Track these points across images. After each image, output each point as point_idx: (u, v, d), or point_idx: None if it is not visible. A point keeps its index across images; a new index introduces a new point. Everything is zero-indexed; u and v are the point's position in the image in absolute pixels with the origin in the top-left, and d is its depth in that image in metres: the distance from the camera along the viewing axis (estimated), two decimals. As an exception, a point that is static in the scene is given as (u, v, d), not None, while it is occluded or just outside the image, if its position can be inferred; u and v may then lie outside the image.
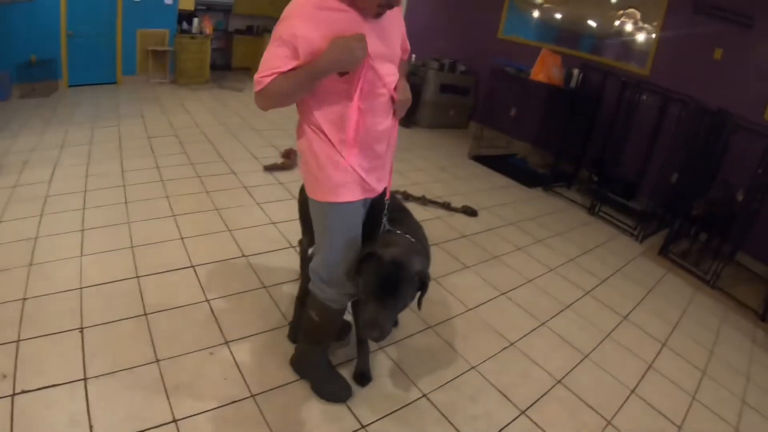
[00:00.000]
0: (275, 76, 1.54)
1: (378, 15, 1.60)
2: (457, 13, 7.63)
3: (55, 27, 6.80)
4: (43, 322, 2.33)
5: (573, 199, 5.21)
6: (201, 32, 8.22)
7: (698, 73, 4.82)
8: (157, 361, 2.17)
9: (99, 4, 7.14)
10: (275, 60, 1.54)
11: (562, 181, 5.58)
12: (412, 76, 7.09)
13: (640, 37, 5.37)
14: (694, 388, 2.65)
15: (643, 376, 2.64)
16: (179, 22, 8.04)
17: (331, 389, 2.11)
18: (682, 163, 4.40)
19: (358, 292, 1.80)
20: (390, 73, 1.73)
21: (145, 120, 5.89)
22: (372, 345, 2.42)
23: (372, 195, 1.86)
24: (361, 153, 1.74)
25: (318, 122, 1.70)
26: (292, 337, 2.38)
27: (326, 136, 1.71)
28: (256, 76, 1.58)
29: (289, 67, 1.54)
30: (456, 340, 2.61)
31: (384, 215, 1.93)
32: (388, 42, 1.69)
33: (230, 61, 9.87)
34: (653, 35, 5.22)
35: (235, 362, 2.22)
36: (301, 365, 2.19)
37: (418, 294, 1.81)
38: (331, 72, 1.55)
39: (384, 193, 1.93)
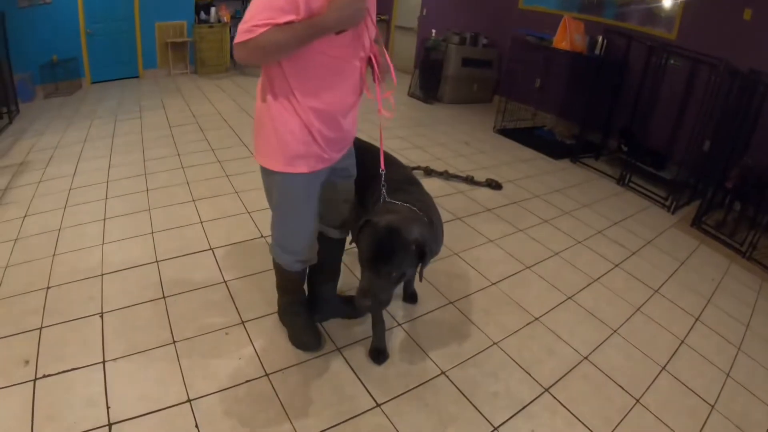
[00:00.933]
0: (269, 27, 1.40)
1: None
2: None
3: (74, 26, 6.92)
4: (64, 309, 2.37)
5: (601, 170, 5.03)
6: (219, 21, 8.24)
7: (727, 34, 4.57)
8: (174, 342, 2.18)
9: (115, 1, 7.22)
10: (270, 11, 1.40)
11: (589, 152, 5.40)
12: (434, 51, 6.98)
13: (666, 1, 5.12)
14: (729, 365, 2.49)
15: (674, 352, 2.50)
16: (197, 13, 8.09)
17: (299, 337, 2.18)
18: (714, 129, 4.19)
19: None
20: (372, 35, 1.70)
21: (167, 110, 5.96)
22: (389, 321, 2.38)
23: (329, 164, 1.80)
24: (327, 124, 1.68)
25: (291, 86, 1.61)
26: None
27: (296, 100, 1.62)
28: (243, 26, 1.42)
29: (286, 19, 1.40)
30: (477, 316, 2.54)
31: (382, 186, 1.89)
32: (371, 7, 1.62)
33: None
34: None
35: (251, 342, 2.21)
36: (280, 314, 2.29)
37: (420, 265, 1.73)
38: (335, 29, 1.46)
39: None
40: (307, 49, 1.51)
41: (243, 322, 2.32)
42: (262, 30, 1.40)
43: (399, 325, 2.41)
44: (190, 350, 2.14)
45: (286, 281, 2.14)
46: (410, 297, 2.57)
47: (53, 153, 4.49)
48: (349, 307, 2.36)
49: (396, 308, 2.53)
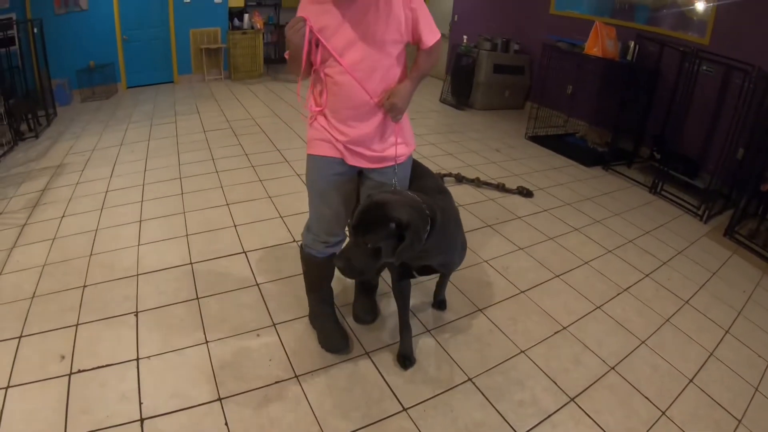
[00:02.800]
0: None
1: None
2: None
3: (110, 33, 7.13)
4: (100, 307, 2.45)
5: (633, 177, 4.95)
6: (252, 27, 8.39)
7: (762, 39, 4.45)
8: (206, 342, 2.23)
9: (150, 8, 7.43)
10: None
11: (621, 160, 5.32)
12: (465, 57, 6.96)
13: (698, 5, 5.02)
14: (758, 379, 2.41)
15: (702, 365, 2.44)
16: (230, 19, 8.24)
17: (328, 340, 2.25)
18: (748, 136, 4.08)
19: None
20: (361, 58, 1.82)
21: (201, 115, 6.08)
22: (418, 328, 2.39)
23: (348, 161, 1.98)
24: (333, 118, 1.94)
25: (311, 89, 2.03)
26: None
27: (313, 99, 2.02)
28: None
29: None
30: (505, 324, 2.53)
31: (393, 180, 2.03)
32: (367, 25, 1.78)
33: (283, 54, 10.01)
34: (712, 2, 4.87)
35: (281, 344, 2.25)
36: (311, 317, 2.39)
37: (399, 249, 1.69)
38: (291, 46, 1.85)
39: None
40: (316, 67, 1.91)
41: (274, 325, 2.36)
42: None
43: (428, 331, 2.42)
44: (221, 350, 2.19)
45: (310, 271, 2.26)
46: (439, 304, 2.58)
47: (90, 155, 4.63)
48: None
49: (425, 315, 2.54)
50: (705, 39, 4.91)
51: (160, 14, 7.53)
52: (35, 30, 5.86)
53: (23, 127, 5.36)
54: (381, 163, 2.01)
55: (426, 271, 2.14)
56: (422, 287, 2.68)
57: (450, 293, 2.68)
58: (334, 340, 2.24)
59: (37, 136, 5.27)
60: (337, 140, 1.95)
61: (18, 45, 5.57)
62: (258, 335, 2.29)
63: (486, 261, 3.07)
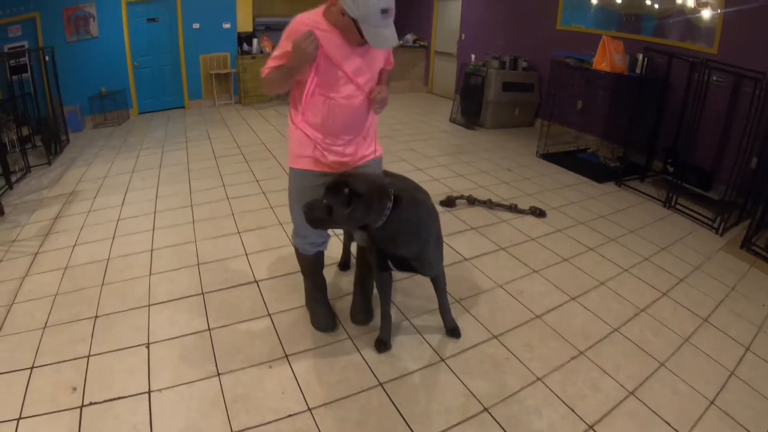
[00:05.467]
0: (269, 69, 2.03)
1: (359, 45, 1.98)
2: (513, 8, 7.48)
3: (121, 60, 7.26)
4: (112, 338, 2.44)
5: (647, 192, 4.89)
6: (261, 52, 8.48)
7: (770, 47, 4.41)
8: (218, 374, 2.20)
9: (160, 35, 7.56)
10: (272, 60, 2.03)
11: (634, 174, 5.26)
12: (474, 76, 6.99)
13: (705, 14, 5.00)
14: None
15: (723, 385, 2.37)
16: (239, 44, 8.35)
17: (317, 320, 2.55)
18: (761, 145, 4.03)
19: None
20: (367, 81, 2.11)
21: (212, 141, 6.13)
22: (433, 357, 2.35)
23: (330, 170, 2.19)
24: (324, 133, 2.14)
25: (298, 105, 2.16)
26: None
27: (302, 117, 2.15)
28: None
29: (278, 64, 2.00)
30: (521, 350, 2.48)
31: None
32: (368, 58, 2.07)
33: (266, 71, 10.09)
34: (718, 10, 4.85)
35: (294, 375, 2.21)
36: (306, 300, 2.70)
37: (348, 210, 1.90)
38: (294, 65, 1.93)
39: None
40: (298, 84, 2.10)
41: (287, 356, 2.33)
42: (266, 71, 2.05)
43: (442, 360, 2.37)
44: (234, 383, 2.16)
45: (303, 264, 2.58)
46: (452, 331, 2.54)
47: (102, 183, 4.67)
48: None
49: (439, 343, 2.50)
50: (713, 48, 4.89)
51: (170, 40, 7.65)
52: (47, 58, 5.96)
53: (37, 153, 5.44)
54: (362, 160, 2.26)
55: (404, 266, 2.25)
56: (438, 317, 2.64)
57: (464, 320, 2.64)
58: (323, 320, 2.54)
59: (50, 163, 5.34)
60: (324, 156, 2.17)
61: (30, 72, 5.66)
62: (270, 367, 2.26)
63: (500, 285, 3.03)
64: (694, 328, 2.79)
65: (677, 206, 4.53)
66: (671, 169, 4.97)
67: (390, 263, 2.26)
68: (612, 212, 4.34)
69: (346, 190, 1.88)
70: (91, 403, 2.03)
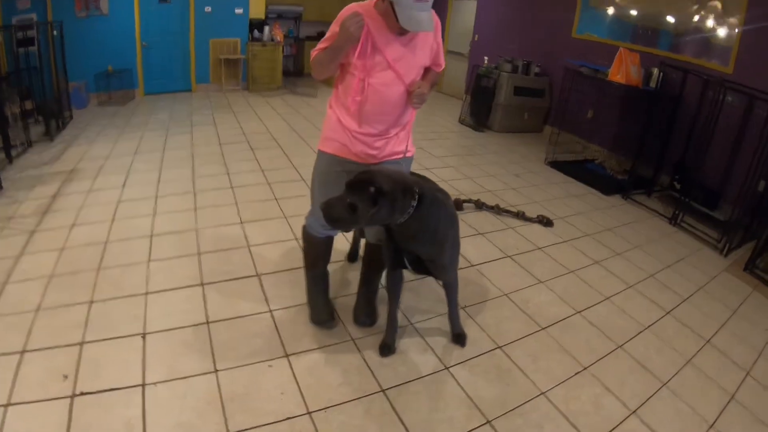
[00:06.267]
0: (318, 51, 2.09)
1: (400, 34, 2.01)
2: (529, 13, 7.41)
3: (130, 38, 7.15)
4: (107, 325, 2.37)
5: (653, 207, 4.84)
6: (272, 40, 8.40)
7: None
8: (215, 371, 2.14)
9: (171, 16, 7.45)
10: (322, 42, 2.09)
11: (641, 188, 5.22)
12: (486, 78, 6.94)
13: (722, 32, 4.95)
14: None
15: (723, 408, 2.34)
16: (250, 31, 8.26)
17: (317, 315, 2.51)
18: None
19: None
20: (407, 72, 2.10)
21: (218, 127, 6.05)
22: (436, 365, 2.30)
23: (355, 159, 2.20)
24: (359, 120, 2.13)
25: (339, 90, 2.20)
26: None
27: (340, 100, 2.19)
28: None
29: (326, 45, 2.05)
30: (526, 363, 2.43)
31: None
32: (412, 51, 2.08)
33: (302, 68, 10.02)
34: (735, 30, 4.80)
35: (294, 376, 2.15)
36: (307, 294, 2.63)
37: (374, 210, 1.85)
38: (341, 44, 1.97)
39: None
40: (344, 68, 2.13)
41: (287, 355, 2.27)
42: (315, 53, 2.11)
43: (446, 368, 2.32)
44: (231, 381, 2.10)
45: (309, 249, 2.56)
46: (457, 338, 2.49)
47: (104, 163, 4.59)
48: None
49: (444, 350, 2.45)
50: (728, 68, 4.84)
51: (181, 22, 7.56)
52: (55, 32, 5.85)
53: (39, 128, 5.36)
54: (393, 156, 2.25)
55: (418, 266, 2.21)
56: (443, 321, 2.59)
57: (469, 327, 2.59)
58: (322, 315, 2.50)
59: (51, 139, 5.25)
60: (352, 143, 2.18)
61: (37, 46, 5.55)
62: (270, 366, 2.20)
63: (506, 294, 2.98)
64: (696, 349, 2.76)
65: (683, 224, 4.48)
66: (678, 186, 4.94)
67: (406, 261, 2.21)
68: (618, 225, 4.29)
69: (372, 189, 1.82)
70: (82, 393, 1.97)
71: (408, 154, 2.32)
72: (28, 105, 5.43)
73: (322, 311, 2.51)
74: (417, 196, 1.90)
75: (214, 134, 5.70)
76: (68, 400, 1.93)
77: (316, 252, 2.54)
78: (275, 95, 8.20)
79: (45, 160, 4.64)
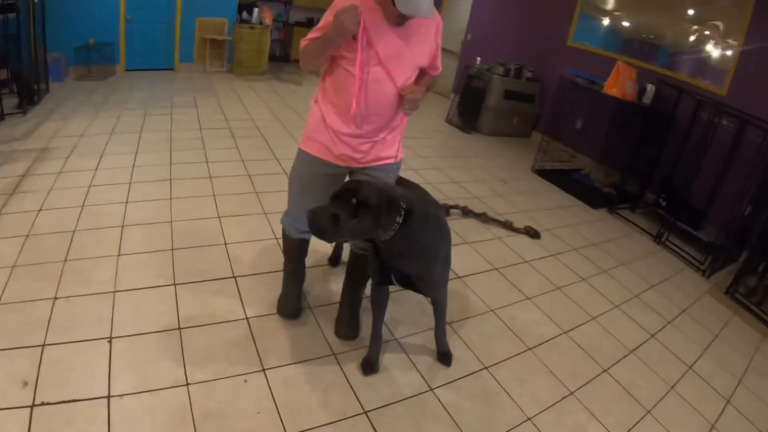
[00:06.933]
0: (308, 41, 1.97)
1: (398, 24, 1.90)
2: (524, 16, 7.31)
3: (114, 11, 6.87)
4: (71, 326, 2.21)
5: (638, 224, 4.82)
6: (261, 23, 8.17)
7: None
8: (187, 384, 2.00)
9: (158, -10, 7.15)
10: (312, 32, 1.97)
11: (626, 203, 5.20)
12: (476, 79, 6.83)
13: (719, 53, 4.93)
14: None
15: None
16: (239, 12, 8.03)
17: (283, 305, 2.48)
18: (758, 195, 4.00)
19: None
20: (399, 70, 1.99)
21: (199, 110, 5.84)
22: (420, 386, 2.20)
23: (338, 162, 2.13)
24: (345, 119, 2.03)
25: (326, 84, 2.09)
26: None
27: (327, 96, 2.08)
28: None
29: (317, 35, 1.94)
30: (511, 385, 2.35)
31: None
32: (408, 45, 1.97)
33: (289, 53, 9.81)
34: (730, 52, 4.79)
35: (271, 393, 2.02)
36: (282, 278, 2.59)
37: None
38: (334, 37, 1.86)
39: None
40: (334, 62, 2.02)
41: (264, 369, 2.14)
42: (305, 43, 1.99)
43: (431, 389, 2.21)
44: (204, 395, 1.95)
45: (286, 244, 2.51)
46: (443, 357, 2.39)
47: (78, 142, 4.37)
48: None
49: (429, 369, 2.35)
50: (723, 90, 4.82)
51: (168, -2, 7.28)
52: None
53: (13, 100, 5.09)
54: (379, 162, 2.16)
55: (406, 282, 2.10)
56: (428, 335, 2.48)
57: (454, 344, 2.50)
58: (287, 307, 2.47)
59: (24, 113, 4.98)
60: (334, 144, 2.08)
61: (16, 13, 5.25)
62: (245, 381, 2.06)
63: (493, 310, 2.89)
64: (679, 376, 2.73)
65: (667, 243, 4.47)
66: (664, 204, 4.93)
67: (393, 278, 2.10)
68: (604, 241, 4.25)
69: (354, 200, 1.72)
70: (43, 403, 1.80)
71: (397, 159, 2.23)
72: (2, 75, 5.14)
73: (287, 305, 2.47)
74: (403, 212, 1.78)
75: (194, 118, 5.49)
76: (28, 411, 1.76)
77: (290, 250, 2.50)
78: (260, 80, 7.98)
79: (16, 136, 4.39)
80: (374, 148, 2.12)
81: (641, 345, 2.92)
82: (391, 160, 2.19)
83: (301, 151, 2.19)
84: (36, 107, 5.23)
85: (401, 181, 2.38)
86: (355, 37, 1.88)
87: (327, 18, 1.91)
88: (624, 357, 2.77)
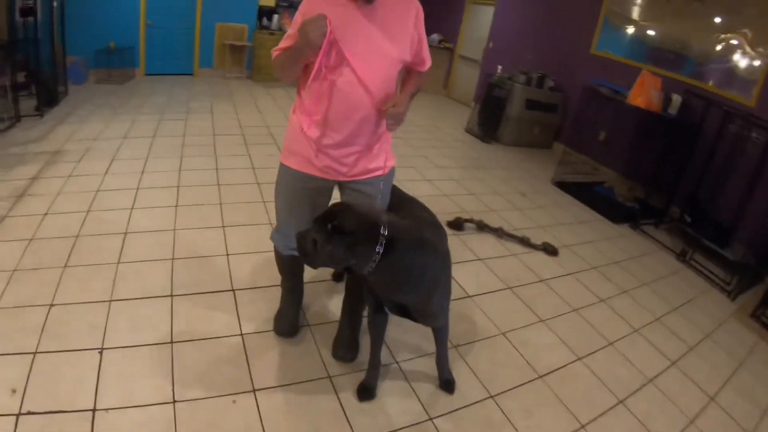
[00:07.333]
0: (279, 51, 1.85)
1: (367, 1, 1.75)
2: (547, 24, 7.18)
3: (134, 16, 6.93)
4: (64, 334, 2.16)
5: (661, 240, 4.62)
6: (281, 29, 8.16)
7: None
8: (174, 402, 1.91)
9: (179, -4, 7.21)
10: (284, 40, 1.84)
11: (650, 218, 5.00)
12: (497, 88, 6.68)
13: (747, 63, 4.73)
14: None
15: None
16: (259, 18, 8.04)
17: (277, 323, 2.40)
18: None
19: None
20: (374, 73, 1.81)
21: (214, 116, 5.82)
22: (419, 414, 2.08)
23: (323, 176, 2.00)
24: (324, 129, 1.89)
25: (302, 94, 1.96)
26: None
27: (303, 106, 1.95)
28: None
29: (288, 45, 1.81)
30: (519, 416, 2.20)
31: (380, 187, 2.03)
32: (384, 33, 1.80)
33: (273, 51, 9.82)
34: (759, 62, 4.59)
35: (260, 417, 1.92)
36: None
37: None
38: (300, 48, 1.74)
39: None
40: (307, 69, 1.84)
41: (254, 390, 2.04)
42: (276, 53, 1.87)
43: (430, 419, 2.08)
44: (191, 414, 1.87)
45: (278, 262, 2.38)
46: (446, 384, 2.25)
47: (90, 145, 4.37)
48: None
49: (430, 396, 2.22)
50: (751, 101, 4.62)
51: (188, 4, 7.35)
52: (55, 3, 5.61)
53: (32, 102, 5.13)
54: (366, 175, 2.03)
55: (402, 312, 1.96)
56: (430, 360, 2.36)
57: (459, 370, 2.36)
58: (283, 326, 2.37)
59: (41, 115, 5.02)
60: (316, 156, 1.95)
61: (34, 17, 5.30)
62: (234, 401, 1.96)
63: (503, 333, 2.74)
64: (700, 408, 2.54)
65: (691, 261, 4.27)
66: (689, 219, 4.72)
67: (386, 308, 1.98)
68: (626, 259, 4.07)
69: (329, 225, 1.61)
70: (29, 413, 1.76)
71: (386, 170, 2.05)
72: (23, 77, 5.19)
73: (283, 322, 2.39)
74: (384, 241, 1.61)
75: (209, 123, 5.47)
76: (13, 419, 1.72)
77: (283, 267, 2.39)
78: (279, 87, 7.96)
79: (31, 138, 4.42)
80: (360, 159, 1.99)
81: (661, 373, 2.74)
82: (380, 172, 2.03)
83: (282, 166, 2.08)
84: (53, 110, 5.27)
85: (400, 198, 2.25)
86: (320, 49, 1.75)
87: (297, 22, 1.80)
88: (642, 386, 2.59)
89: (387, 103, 1.84)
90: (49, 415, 1.77)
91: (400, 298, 1.86)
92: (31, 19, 5.23)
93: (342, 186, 2.08)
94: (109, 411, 1.82)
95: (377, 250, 1.60)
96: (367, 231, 1.60)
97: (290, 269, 2.38)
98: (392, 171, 2.13)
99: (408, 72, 2.03)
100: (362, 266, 1.63)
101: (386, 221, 1.65)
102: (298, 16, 1.81)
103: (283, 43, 1.84)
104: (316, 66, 1.76)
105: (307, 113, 1.93)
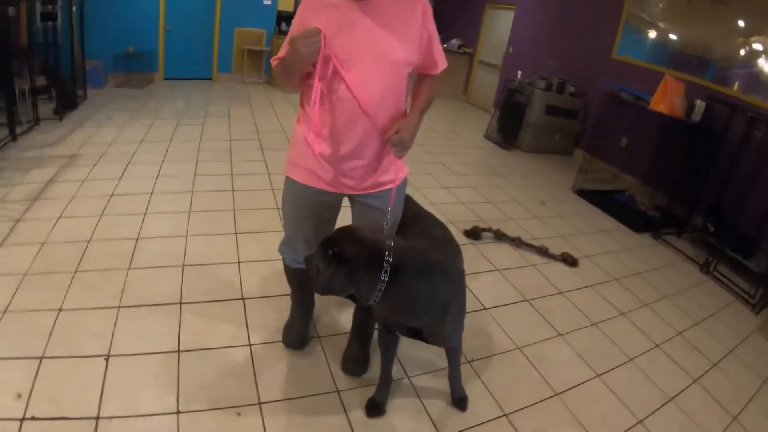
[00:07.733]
0: (277, 61, 1.76)
1: None
2: (568, 29, 7.07)
3: (153, 21, 6.99)
4: (71, 340, 2.15)
5: (684, 251, 4.48)
6: (299, 35, 8.16)
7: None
8: (177, 412, 1.88)
9: (197, 1, 7.30)
10: (282, 49, 1.74)
11: (672, 227, 4.86)
12: (517, 94, 6.59)
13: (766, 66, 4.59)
14: None
15: None
16: (278, 23, 8.05)
17: (287, 335, 2.35)
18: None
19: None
20: (372, 80, 1.68)
21: (231, 121, 5.84)
22: (430, 430, 2.00)
23: (329, 189, 1.90)
24: (329, 141, 1.79)
25: (304, 105, 1.88)
26: None
27: (306, 117, 1.84)
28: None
29: (283, 55, 1.72)
30: (533, 436, 2.12)
31: (386, 222, 1.83)
32: (386, 31, 1.65)
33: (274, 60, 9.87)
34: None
35: (265, 431, 1.87)
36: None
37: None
38: (293, 63, 1.64)
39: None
40: (308, 77, 1.74)
41: (260, 403, 1.99)
42: (274, 64, 1.79)
43: (442, 437, 2.02)
44: (193, 426, 1.83)
45: (287, 274, 2.32)
46: (458, 402, 2.17)
47: (106, 149, 4.40)
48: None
49: (441, 414, 2.14)
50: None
51: (207, 8, 7.38)
52: (74, 7, 5.67)
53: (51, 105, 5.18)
54: (375, 188, 1.92)
55: (414, 334, 1.86)
56: (443, 375, 2.28)
57: (473, 387, 2.28)
58: (292, 337, 2.32)
59: (60, 119, 5.07)
60: (322, 169, 1.86)
61: (53, 21, 5.37)
62: (239, 414, 1.92)
63: (520, 348, 2.65)
64: (722, 428, 2.43)
65: (715, 272, 4.13)
66: (712, 229, 4.58)
67: (396, 331, 1.93)
68: (647, 270, 3.95)
69: (330, 252, 1.54)
70: (33, 418, 1.75)
71: (397, 183, 1.92)
72: (42, 81, 5.25)
73: (292, 334, 2.34)
74: (389, 268, 1.53)
75: (226, 128, 5.47)
76: (17, 424, 1.71)
77: (292, 280, 2.33)
78: (297, 92, 7.90)
79: (49, 141, 4.46)
80: (368, 172, 1.87)
81: (682, 391, 2.62)
82: (391, 185, 1.91)
83: (288, 179, 1.97)
84: (72, 113, 5.33)
85: (414, 214, 2.16)
86: (315, 65, 1.64)
87: (292, 30, 1.73)
88: (663, 405, 2.49)
89: (391, 129, 1.71)
90: (53, 421, 1.75)
91: (410, 323, 1.78)
92: (51, 23, 5.30)
93: (352, 200, 1.99)
94: (113, 419, 1.80)
95: (382, 278, 1.53)
96: (368, 258, 1.53)
97: (299, 282, 2.29)
98: (404, 182, 2.01)
99: (420, 77, 1.90)
100: (367, 295, 1.56)
101: (392, 246, 1.56)
102: (295, 22, 1.73)
103: (281, 53, 1.74)
104: (315, 84, 1.67)
105: (311, 124, 1.80)
